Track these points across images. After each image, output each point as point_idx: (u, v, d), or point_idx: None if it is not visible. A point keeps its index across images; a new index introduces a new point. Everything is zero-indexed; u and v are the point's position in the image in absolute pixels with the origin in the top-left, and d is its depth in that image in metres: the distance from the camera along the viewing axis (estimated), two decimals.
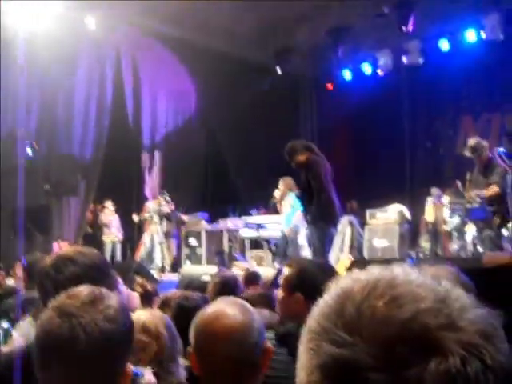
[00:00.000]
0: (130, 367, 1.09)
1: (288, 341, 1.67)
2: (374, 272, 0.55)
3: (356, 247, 7.75)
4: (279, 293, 1.91)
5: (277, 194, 6.82)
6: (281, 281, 1.93)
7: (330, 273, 1.73)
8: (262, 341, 1.30)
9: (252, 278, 4.01)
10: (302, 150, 5.31)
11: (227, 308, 1.29)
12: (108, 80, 9.16)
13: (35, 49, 6.74)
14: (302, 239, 6.77)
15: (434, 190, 8.16)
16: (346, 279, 0.56)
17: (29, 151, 7.18)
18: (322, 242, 5.20)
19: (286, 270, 1.95)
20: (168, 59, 8.82)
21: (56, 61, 7.41)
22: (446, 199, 7.29)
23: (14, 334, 1.87)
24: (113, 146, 9.33)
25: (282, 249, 7.13)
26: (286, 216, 6.96)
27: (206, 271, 5.53)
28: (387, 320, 0.50)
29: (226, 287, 3.03)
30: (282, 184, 6.73)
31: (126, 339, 1.07)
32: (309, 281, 1.74)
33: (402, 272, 0.55)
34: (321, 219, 5.15)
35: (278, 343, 1.72)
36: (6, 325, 2.18)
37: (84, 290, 1.10)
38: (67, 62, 7.75)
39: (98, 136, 9.35)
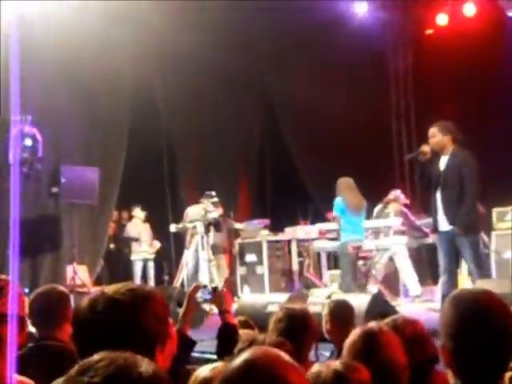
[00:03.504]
0: None
1: None
2: None
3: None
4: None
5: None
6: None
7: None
8: None
9: (341, 311, 3.85)
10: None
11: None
12: None
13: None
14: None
15: None
16: None
17: (28, 142, 7.04)
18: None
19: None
20: None
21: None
22: None
23: None
24: (137, 133, 9.50)
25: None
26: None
27: (273, 300, 5.61)
28: None
29: (292, 325, 2.96)
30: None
31: None
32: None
33: None
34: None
35: None
36: None
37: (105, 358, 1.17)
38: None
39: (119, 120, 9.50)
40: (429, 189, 5.89)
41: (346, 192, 7.65)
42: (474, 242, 5.71)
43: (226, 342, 2.78)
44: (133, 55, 8.98)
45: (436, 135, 5.72)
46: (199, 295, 2.95)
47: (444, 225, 5.70)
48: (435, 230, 5.94)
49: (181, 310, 2.90)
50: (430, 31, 10.54)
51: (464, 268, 7.33)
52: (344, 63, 9.96)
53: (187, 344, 2.76)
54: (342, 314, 3.82)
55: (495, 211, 7.80)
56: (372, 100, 10.09)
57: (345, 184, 7.73)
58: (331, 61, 10.00)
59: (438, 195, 5.71)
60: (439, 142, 5.71)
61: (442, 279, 5.86)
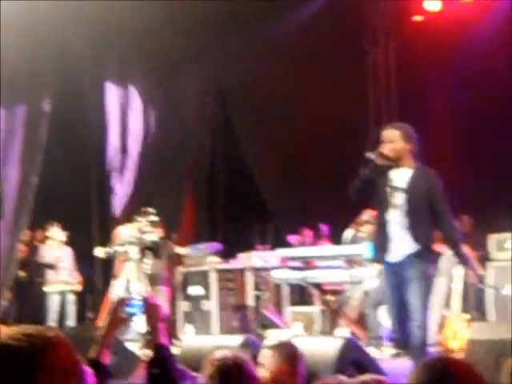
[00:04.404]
0: None
1: None
2: None
3: (474, 300, 7.93)
4: None
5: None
6: None
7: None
8: None
9: (293, 358, 3.85)
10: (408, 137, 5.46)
11: None
12: None
13: None
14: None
15: None
16: None
17: None
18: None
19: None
20: None
21: None
22: None
23: None
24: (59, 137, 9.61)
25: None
26: None
27: (222, 343, 5.54)
28: None
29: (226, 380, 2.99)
30: None
31: None
32: None
33: None
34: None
35: None
36: None
37: None
38: None
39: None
40: (366, 203, 5.54)
41: None
42: (427, 274, 5.31)
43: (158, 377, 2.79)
44: None
45: (396, 141, 5.37)
46: (125, 310, 3.03)
47: (396, 255, 5.31)
48: (380, 260, 5.53)
49: (101, 329, 3.00)
50: (418, 18, 10.58)
51: (456, 304, 7.30)
52: (312, 55, 9.95)
53: (102, 376, 2.74)
54: (284, 362, 3.77)
55: (492, 238, 7.88)
56: (346, 102, 10.27)
57: None
58: (297, 53, 9.99)
59: (392, 217, 5.31)
60: (398, 151, 5.34)
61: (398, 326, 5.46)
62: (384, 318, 7.80)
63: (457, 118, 10.17)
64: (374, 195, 5.40)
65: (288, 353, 3.90)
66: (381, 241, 5.38)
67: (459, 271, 7.70)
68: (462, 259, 5.44)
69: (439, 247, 7.96)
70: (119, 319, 3.03)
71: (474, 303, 7.86)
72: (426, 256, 5.22)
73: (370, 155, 5.33)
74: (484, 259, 8.01)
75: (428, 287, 5.23)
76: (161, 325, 3.02)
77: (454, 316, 7.32)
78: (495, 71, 9.52)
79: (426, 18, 10.59)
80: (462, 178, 9.67)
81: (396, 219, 5.26)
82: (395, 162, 5.34)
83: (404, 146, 5.30)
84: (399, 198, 5.26)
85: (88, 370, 2.61)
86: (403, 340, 5.24)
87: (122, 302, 3.06)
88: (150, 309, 3.05)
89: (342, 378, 2.92)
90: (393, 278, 5.36)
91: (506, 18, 9.53)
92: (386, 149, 5.30)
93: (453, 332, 7.09)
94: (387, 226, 5.29)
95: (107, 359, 2.88)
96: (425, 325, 5.17)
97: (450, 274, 7.64)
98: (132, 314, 3.09)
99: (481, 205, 9.23)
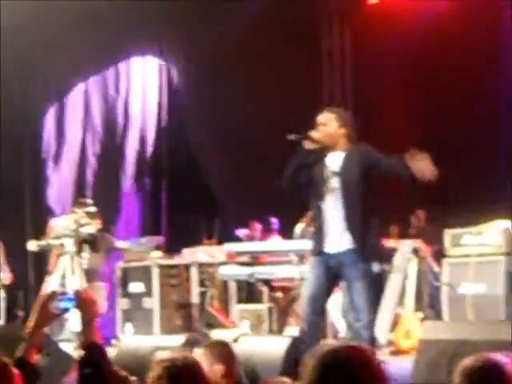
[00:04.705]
0: None
1: None
2: None
3: (428, 298, 7.99)
4: None
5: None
6: None
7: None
8: None
9: (227, 359, 3.98)
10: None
11: None
12: None
13: None
14: None
15: None
16: None
17: None
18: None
19: None
20: None
21: None
22: None
23: None
24: None
25: None
26: None
27: (163, 343, 5.58)
28: None
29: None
30: None
31: None
32: None
33: None
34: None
35: None
36: None
37: None
38: None
39: None
40: (299, 191, 5.46)
41: None
42: (369, 272, 5.32)
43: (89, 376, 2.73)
44: None
45: (330, 124, 5.37)
46: (56, 305, 2.95)
47: (333, 246, 5.28)
48: (316, 252, 5.46)
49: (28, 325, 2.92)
50: (374, 0, 10.68)
51: (409, 303, 7.41)
52: (264, 42, 9.97)
53: (30, 376, 2.71)
54: (217, 362, 3.85)
55: (448, 233, 7.90)
56: (298, 93, 10.25)
57: None
58: (243, 39, 10.00)
59: (329, 204, 5.30)
60: (331, 134, 5.34)
61: (307, 323, 5.39)
62: (337, 316, 7.91)
63: (412, 105, 10.32)
64: (310, 182, 5.36)
65: (221, 353, 3.96)
66: (317, 231, 5.37)
67: (413, 268, 7.86)
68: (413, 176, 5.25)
69: (393, 243, 8.10)
70: (49, 315, 2.96)
71: (429, 301, 7.96)
72: (365, 252, 5.21)
73: (292, 136, 5.31)
74: (440, 255, 8.06)
75: (372, 285, 5.23)
76: (95, 322, 2.96)
77: (407, 314, 7.44)
78: (452, 55, 9.68)
79: (381, 0, 10.72)
80: None
81: (331, 206, 5.24)
82: (328, 146, 5.33)
83: (337, 129, 5.31)
84: (334, 183, 5.24)
85: (15, 372, 2.59)
86: (309, 334, 5.20)
87: (53, 297, 2.98)
88: (82, 304, 2.98)
89: (286, 380, 2.94)
90: (324, 269, 5.30)
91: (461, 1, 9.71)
92: (316, 132, 5.28)
93: (405, 331, 7.20)
94: (322, 215, 5.27)
95: (35, 358, 2.84)
96: (371, 325, 5.18)
97: (405, 271, 7.78)
98: (64, 310, 3.01)
99: (436, 199, 9.36)
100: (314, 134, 5.27)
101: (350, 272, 5.22)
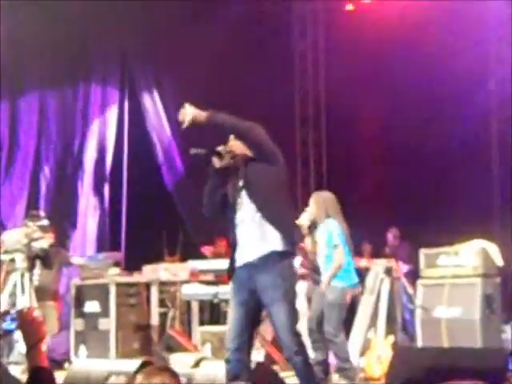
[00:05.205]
0: None
1: None
2: None
3: (401, 321, 8.36)
4: None
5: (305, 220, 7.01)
6: None
7: None
8: None
9: None
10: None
11: None
12: None
13: None
14: None
15: None
16: None
17: None
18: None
19: None
20: None
21: None
22: None
23: None
24: None
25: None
26: (326, 259, 7.00)
27: (118, 368, 5.64)
28: None
29: None
30: (315, 202, 6.99)
31: None
32: None
33: None
34: None
35: None
36: None
37: None
38: None
39: None
40: (224, 216, 5.10)
41: (337, 215, 7.02)
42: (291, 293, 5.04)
43: None
44: None
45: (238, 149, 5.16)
46: (1, 326, 2.83)
47: (245, 260, 5.00)
48: (230, 271, 5.16)
49: None
50: (350, 7, 10.91)
51: (381, 326, 7.53)
52: (237, 45, 10.13)
53: None
54: None
55: (423, 253, 8.02)
56: (269, 100, 10.35)
57: (332, 202, 7.10)
58: (217, 44, 10.16)
59: (239, 220, 5.07)
60: (241, 148, 5.11)
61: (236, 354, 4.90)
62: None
63: (384, 107, 10.53)
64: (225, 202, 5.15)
65: (167, 379, 3.94)
66: (232, 251, 5.14)
67: (386, 289, 7.93)
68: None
69: (365, 262, 8.25)
70: None
71: (402, 324, 8.09)
72: (277, 266, 4.89)
73: (194, 151, 5.16)
74: (415, 276, 8.24)
75: (292, 302, 4.90)
76: (40, 344, 2.90)
77: (379, 339, 7.45)
78: (428, 61, 9.90)
79: (357, 7, 10.87)
80: (391, 186, 10.05)
81: (243, 222, 5.03)
82: (239, 161, 5.14)
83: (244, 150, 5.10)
84: (242, 198, 5.05)
85: None
86: (233, 372, 4.79)
87: None
88: (26, 325, 2.91)
89: None
90: (241, 289, 5.04)
91: (438, 8, 9.92)
92: (223, 147, 5.10)
93: (376, 356, 7.23)
94: (235, 232, 5.07)
95: None
96: (302, 350, 4.81)
97: (378, 292, 7.82)
98: (8, 331, 3.04)
99: (410, 217, 9.54)
100: (221, 148, 5.08)
101: (265, 293, 4.90)
